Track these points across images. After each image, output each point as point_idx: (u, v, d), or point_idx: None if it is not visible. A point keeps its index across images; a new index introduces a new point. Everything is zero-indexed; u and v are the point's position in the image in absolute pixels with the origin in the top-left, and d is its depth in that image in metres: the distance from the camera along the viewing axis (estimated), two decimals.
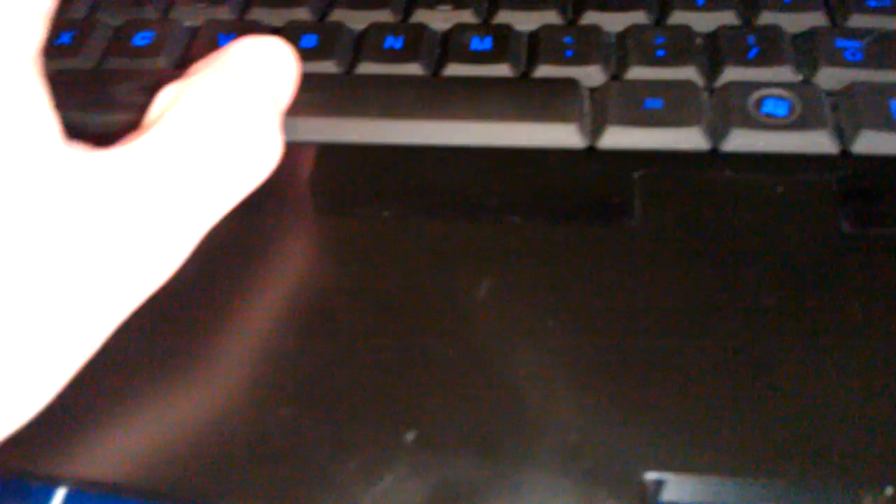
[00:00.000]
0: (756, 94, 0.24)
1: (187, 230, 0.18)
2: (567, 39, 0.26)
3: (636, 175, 0.23)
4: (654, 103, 0.24)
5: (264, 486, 0.17)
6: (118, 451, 0.18)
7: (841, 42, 0.25)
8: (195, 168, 0.18)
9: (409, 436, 0.18)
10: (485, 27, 0.27)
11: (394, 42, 0.26)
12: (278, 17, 0.27)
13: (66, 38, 0.27)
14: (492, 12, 0.27)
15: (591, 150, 0.24)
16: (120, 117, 0.24)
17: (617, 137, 0.23)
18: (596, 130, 0.24)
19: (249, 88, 0.20)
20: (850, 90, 0.24)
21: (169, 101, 0.19)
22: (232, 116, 0.19)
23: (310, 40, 0.26)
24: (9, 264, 0.16)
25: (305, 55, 0.26)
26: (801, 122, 0.23)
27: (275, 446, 0.18)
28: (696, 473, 0.18)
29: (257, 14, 0.28)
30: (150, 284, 0.18)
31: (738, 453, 0.18)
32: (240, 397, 0.19)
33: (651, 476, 0.18)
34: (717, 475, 0.18)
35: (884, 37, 0.25)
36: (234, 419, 0.18)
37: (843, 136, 0.23)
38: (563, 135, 0.24)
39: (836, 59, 0.24)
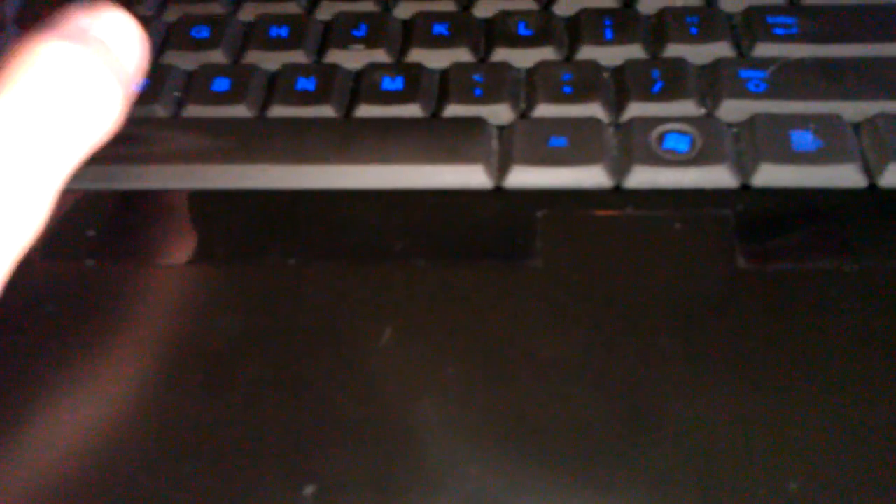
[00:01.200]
0: (659, 130, 0.24)
1: (36, 185, 0.19)
2: (477, 77, 0.26)
3: (540, 215, 0.23)
4: (559, 141, 0.24)
5: None
6: None
7: (745, 73, 0.25)
8: (27, 127, 0.19)
9: (309, 489, 0.18)
10: (397, 66, 0.27)
11: (306, 84, 0.26)
12: (193, 60, 0.27)
13: None
14: (404, 51, 0.27)
15: (497, 190, 0.24)
16: None
17: (522, 177, 0.24)
18: (502, 170, 0.24)
19: (74, 46, 0.20)
20: (751, 122, 0.24)
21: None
22: (57, 73, 0.20)
23: (222, 83, 0.26)
24: None
25: (218, 99, 0.26)
26: (701, 157, 0.23)
27: None
28: None
29: (171, 58, 0.28)
30: (9, 249, 0.18)
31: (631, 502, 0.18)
32: (132, 454, 0.19)
33: None
34: None
35: (787, 66, 0.25)
36: (126, 476, 0.18)
37: (743, 169, 0.23)
38: (469, 176, 0.24)
39: (739, 91, 0.25)
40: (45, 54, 0.20)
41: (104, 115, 0.20)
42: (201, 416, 0.20)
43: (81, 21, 0.21)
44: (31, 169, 0.19)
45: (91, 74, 0.20)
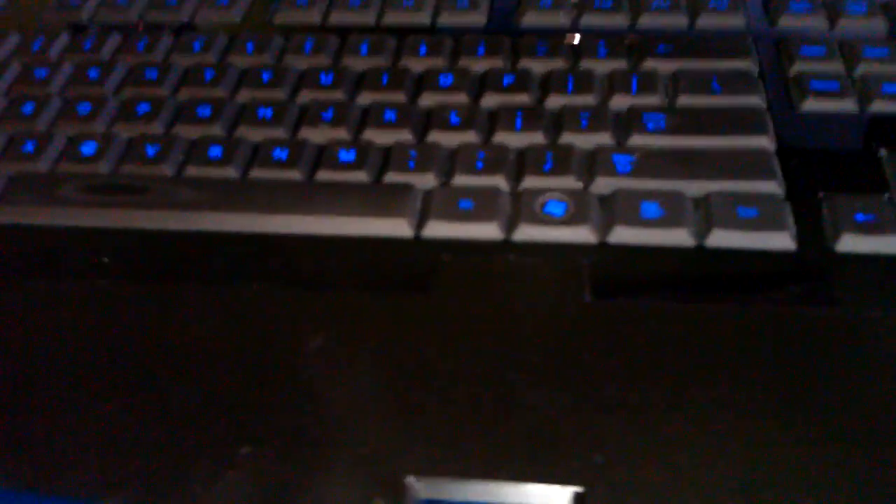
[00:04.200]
0: (543, 198, 0.31)
1: None
2: (412, 153, 0.33)
3: (445, 258, 0.30)
4: (467, 204, 0.31)
5: (129, 481, 0.25)
6: None
7: (616, 157, 0.32)
8: None
9: (245, 449, 0.25)
10: (353, 142, 0.34)
11: (280, 154, 0.34)
12: (195, 131, 0.35)
13: (29, 146, 0.35)
14: (361, 130, 0.35)
15: (416, 239, 0.31)
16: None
17: (436, 229, 0.31)
18: (421, 224, 0.31)
19: None
20: (613, 195, 0.31)
21: None
22: None
23: (216, 151, 0.34)
24: None
25: (212, 163, 0.34)
26: (571, 220, 0.30)
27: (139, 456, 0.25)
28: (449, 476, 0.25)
29: (179, 129, 0.35)
30: None
31: (478, 461, 0.25)
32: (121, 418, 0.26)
33: (412, 479, 0.24)
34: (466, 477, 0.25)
35: (650, 153, 0.32)
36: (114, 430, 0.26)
37: (602, 230, 0.30)
38: (396, 227, 0.31)
39: (609, 171, 0.32)
40: None
41: None
42: (174, 399, 0.27)
43: None
44: None
45: None
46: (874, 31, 0.38)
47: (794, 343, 0.27)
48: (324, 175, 0.33)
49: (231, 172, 0.33)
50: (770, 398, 0.26)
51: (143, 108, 0.36)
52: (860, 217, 0.29)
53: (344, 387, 0.27)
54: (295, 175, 0.33)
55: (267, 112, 0.36)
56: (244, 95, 0.37)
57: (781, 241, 0.29)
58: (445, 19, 0.41)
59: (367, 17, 0.41)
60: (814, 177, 0.31)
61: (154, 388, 0.27)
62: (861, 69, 0.36)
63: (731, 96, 0.34)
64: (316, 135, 0.35)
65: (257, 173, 0.33)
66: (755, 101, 0.34)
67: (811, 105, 0.34)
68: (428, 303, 0.29)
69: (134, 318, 0.29)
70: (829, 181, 0.31)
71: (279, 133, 0.35)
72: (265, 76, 0.37)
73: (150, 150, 0.34)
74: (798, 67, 0.36)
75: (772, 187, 0.31)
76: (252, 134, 0.35)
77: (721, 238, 0.29)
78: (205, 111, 0.36)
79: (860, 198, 0.30)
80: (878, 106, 0.34)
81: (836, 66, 0.36)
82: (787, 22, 0.38)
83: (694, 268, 0.29)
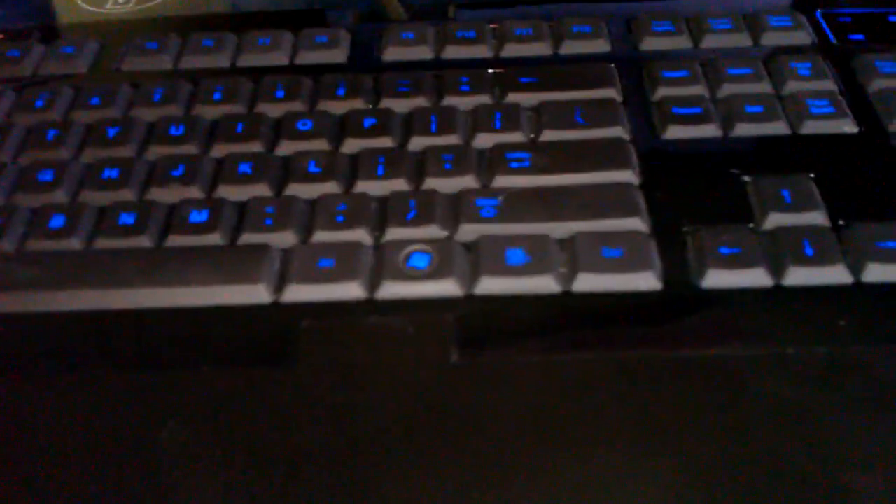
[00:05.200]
0: (406, 250, 0.30)
1: None
2: (269, 209, 0.32)
3: (304, 325, 0.28)
4: (327, 262, 0.30)
5: None
6: None
7: (480, 201, 0.31)
8: None
9: None
10: (206, 200, 0.32)
11: (127, 218, 0.32)
12: (36, 199, 0.33)
13: None
14: (213, 187, 0.33)
15: (275, 305, 0.29)
16: None
17: (295, 293, 0.29)
18: (279, 288, 0.29)
19: None
20: (477, 242, 0.30)
21: None
22: None
23: (58, 220, 0.32)
24: None
25: (54, 234, 0.31)
26: (436, 273, 0.29)
27: None
28: None
29: (19, 198, 0.33)
30: None
31: None
32: None
33: None
34: None
35: (514, 195, 0.31)
36: None
37: (468, 281, 0.29)
38: (253, 294, 0.29)
39: (473, 217, 0.31)
40: None
41: None
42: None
43: None
44: None
45: None
46: (738, 47, 0.38)
47: (662, 391, 0.26)
48: (175, 240, 0.31)
49: (74, 244, 0.31)
50: (641, 451, 0.25)
51: None
52: (725, 250, 0.29)
53: (198, 478, 0.25)
54: (144, 242, 0.31)
55: (113, 172, 0.33)
56: (88, 155, 0.35)
57: (647, 281, 0.28)
58: (305, 57, 0.39)
59: (222, 60, 0.39)
60: (680, 209, 0.31)
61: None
62: (724, 90, 0.35)
63: (594, 128, 0.34)
64: (166, 195, 0.33)
65: (103, 243, 0.31)
66: (618, 131, 0.34)
67: (674, 132, 0.34)
68: (287, 377, 0.27)
69: None
70: (695, 212, 0.31)
71: (127, 195, 0.33)
72: (111, 132, 0.35)
73: None
74: (661, 92, 0.35)
75: (636, 224, 0.30)
76: (97, 198, 0.33)
77: (587, 282, 0.29)
78: (46, 176, 0.33)
79: (725, 229, 0.30)
80: (742, 129, 0.34)
81: (698, 89, 0.35)
82: (650, 44, 0.38)
83: (562, 316, 0.28)
